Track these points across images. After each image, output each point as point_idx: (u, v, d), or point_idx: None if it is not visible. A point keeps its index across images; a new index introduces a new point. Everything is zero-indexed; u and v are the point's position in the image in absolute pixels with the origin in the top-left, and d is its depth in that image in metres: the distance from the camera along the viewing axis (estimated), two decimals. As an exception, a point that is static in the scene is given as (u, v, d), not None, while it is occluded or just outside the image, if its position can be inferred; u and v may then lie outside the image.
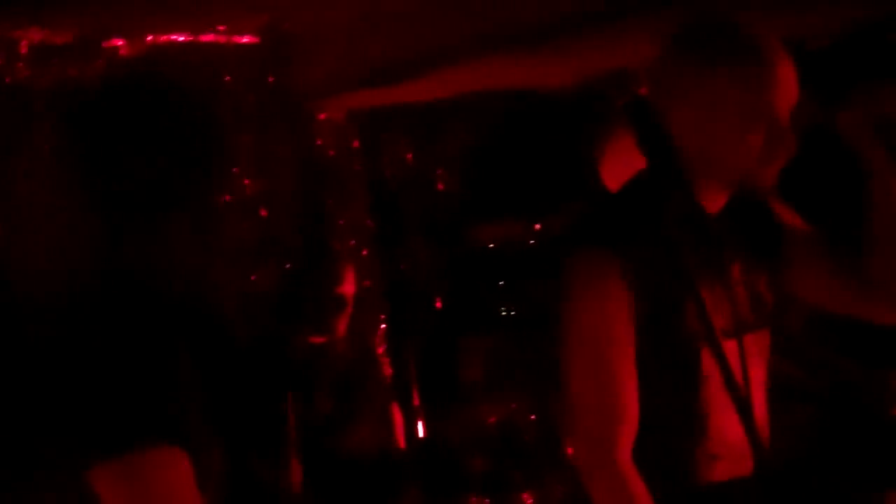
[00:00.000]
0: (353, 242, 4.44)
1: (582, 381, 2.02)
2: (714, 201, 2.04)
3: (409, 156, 4.62)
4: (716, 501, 2.06)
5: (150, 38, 3.59)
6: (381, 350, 4.28)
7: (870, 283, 2.12)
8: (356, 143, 4.54)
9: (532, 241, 4.36)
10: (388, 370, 4.17)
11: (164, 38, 3.59)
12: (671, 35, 1.98)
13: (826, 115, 2.16)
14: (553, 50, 4.12)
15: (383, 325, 4.36)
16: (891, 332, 2.55)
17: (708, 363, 2.01)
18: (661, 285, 1.97)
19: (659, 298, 1.98)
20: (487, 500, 3.67)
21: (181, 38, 3.66)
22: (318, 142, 4.40)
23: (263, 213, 4.12)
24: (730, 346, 1.99)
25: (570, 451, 2.07)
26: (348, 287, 3.39)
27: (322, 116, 4.40)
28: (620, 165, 2.19)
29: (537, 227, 4.38)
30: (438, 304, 4.45)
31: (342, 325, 3.41)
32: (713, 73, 1.92)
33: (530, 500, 3.83)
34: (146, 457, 1.36)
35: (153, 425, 1.37)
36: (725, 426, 2.04)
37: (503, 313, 4.31)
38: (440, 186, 4.58)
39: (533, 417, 3.94)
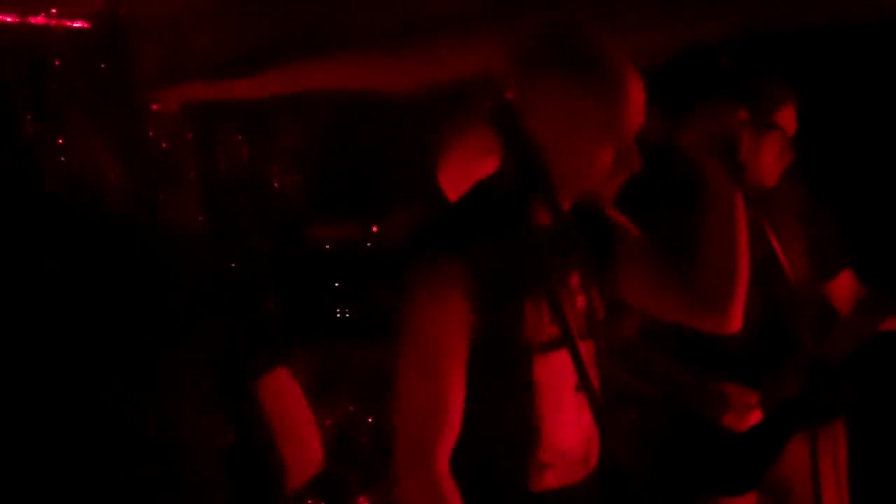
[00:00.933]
0: (183, 239, 4.32)
1: (408, 387, 2.02)
2: (563, 204, 2.07)
3: (245, 152, 4.53)
4: None
5: (-25, 16, 3.42)
6: (210, 350, 4.17)
7: (696, 293, 2.19)
8: (190, 137, 4.42)
9: (369, 244, 4.34)
10: (217, 371, 4.07)
11: (-10, 17, 3.43)
12: (529, 44, 1.98)
13: (669, 132, 2.21)
14: (395, 53, 4.12)
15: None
16: (721, 341, 2.63)
17: (540, 371, 2.02)
18: (503, 295, 1.98)
19: (498, 307, 1.98)
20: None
21: (9, 19, 3.50)
22: (151, 133, 4.27)
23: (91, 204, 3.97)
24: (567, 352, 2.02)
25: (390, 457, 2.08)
26: None
27: (155, 107, 4.27)
28: (460, 171, 2.19)
29: (374, 229, 4.36)
30: (271, 305, 4.38)
31: None
32: (572, 87, 1.93)
33: (366, 504, 3.82)
34: (283, 373, 1.74)
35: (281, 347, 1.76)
36: (559, 435, 2.07)
37: (338, 315, 4.28)
38: (276, 185, 4.51)
39: (370, 420, 3.92)
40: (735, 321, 2.21)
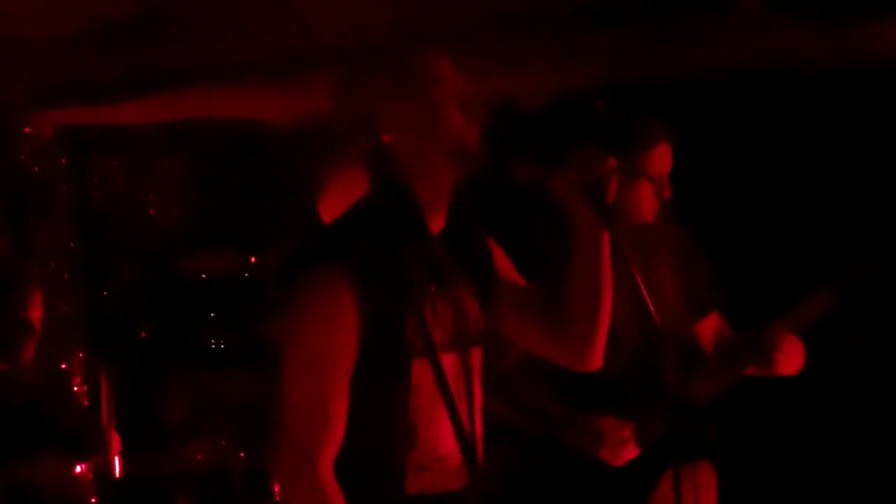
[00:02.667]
0: (53, 264, 4.24)
1: (293, 392, 2.04)
2: (435, 221, 2.15)
3: (121, 178, 4.46)
4: None
5: None
6: (77, 380, 4.09)
7: (557, 330, 2.23)
8: (64, 162, 4.34)
9: (247, 274, 4.31)
10: (84, 402, 3.98)
11: None
12: (356, 67, 2.13)
13: (541, 174, 2.25)
14: (275, 85, 4.11)
15: (81, 354, 4.17)
16: (597, 377, 2.68)
17: (418, 375, 2.05)
18: (385, 299, 2.02)
19: (381, 312, 2.02)
20: (191, 539, 3.58)
21: None
22: (22, 157, 4.19)
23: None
24: (449, 360, 2.07)
25: (273, 462, 2.08)
26: (35, 311, 3.22)
27: (28, 130, 4.19)
28: (340, 204, 2.21)
29: (253, 259, 4.33)
30: (144, 335, 4.31)
31: (27, 352, 3.24)
32: (400, 86, 2.09)
33: (236, 539, 3.76)
34: None
35: None
36: (435, 438, 2.09)
37: (213, 346, 4.23)
38: (152, 212, 4.45)
39: (242, 455, 3.88)
40: (594, 360, 2.25)
